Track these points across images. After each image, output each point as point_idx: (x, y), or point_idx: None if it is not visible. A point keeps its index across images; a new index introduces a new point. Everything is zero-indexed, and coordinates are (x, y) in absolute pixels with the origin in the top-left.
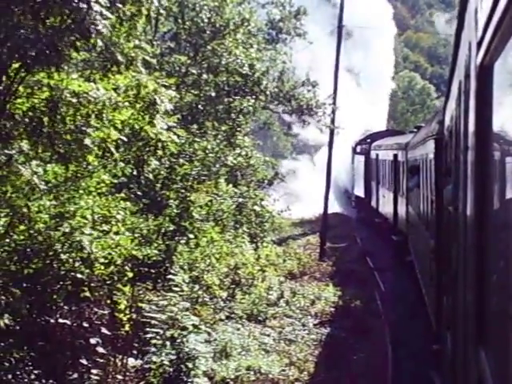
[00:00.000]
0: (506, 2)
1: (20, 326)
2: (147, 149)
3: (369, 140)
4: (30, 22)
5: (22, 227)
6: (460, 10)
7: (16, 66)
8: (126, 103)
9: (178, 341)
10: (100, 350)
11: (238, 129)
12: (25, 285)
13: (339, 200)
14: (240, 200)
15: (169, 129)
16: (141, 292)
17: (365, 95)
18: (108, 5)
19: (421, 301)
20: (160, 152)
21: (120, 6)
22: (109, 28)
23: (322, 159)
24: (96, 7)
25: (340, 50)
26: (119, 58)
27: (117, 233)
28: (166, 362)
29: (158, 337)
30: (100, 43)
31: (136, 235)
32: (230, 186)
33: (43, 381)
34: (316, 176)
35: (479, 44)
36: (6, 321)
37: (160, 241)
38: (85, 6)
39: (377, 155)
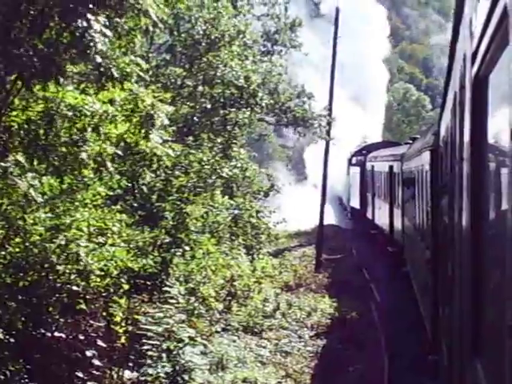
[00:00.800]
0: (500, 14)
1: (15, 338)
2: (142, 162)
3: (364, 151)
4: (27, 36)
5: (17, 239)
6: (455, 22)
7: (12, 78)
8: (123, 117)
9: (174, 353)
10: (96, 362)
11: (234, 141)
12: (20, 297)
13: (335, 211)
14: (236, 212)
15: (164, 142)
16: (137, 304)
17: (360, 106)
18: (107, 23)
19: (417, 312)
20: (155, 165)
21: (118, 20)
22: (107, 45)
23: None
24: (96, 26)
25: (335, 63)
26: (114, 73)
27: (112, 245)
28: (162, 375)
29: (153, 349)
30: (99, 59)
31: (132, 247)
32: (226, 197)
33: None
34: (297, 188)
35: (474, 55)
36: (0, 335)
37: (156, 253)
38: (84, 23)
39: (372, 166)
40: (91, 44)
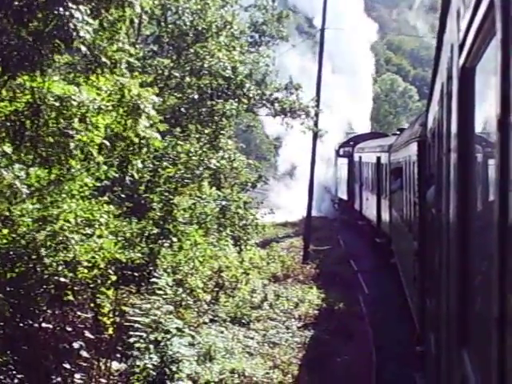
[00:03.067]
0: (487, 4)
1: (3, 330)
2: (131, 148)
3: (352, 142)
4: (12, 26)
5: (4, 231)
6: (442, 13)
7: None
8: (110, 107)
9: (162, 344)
10: (83, 353)
11: (221, 132)
12: (8, 289)
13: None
14: (223, 203)
15: (151, 126)
16: (124, 295)
17: (347, 96)
18: (89, 11)
19: (404, 303)
20: (144, 151)
21: (103, 11)
22: (91, 33)
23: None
24: (77, 14)
25: (322, 54)
26: (103, 59)
27: (100, 236)
28: (149, 366)
29: (141, 340)
30: (83, 48)
31: (119, 238)
32: (214, 188)
33: None
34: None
35: (461, 46)
36: None
37: (143, 244)
38: (67, 13)
39: (360, 158)
40: (73, 33)
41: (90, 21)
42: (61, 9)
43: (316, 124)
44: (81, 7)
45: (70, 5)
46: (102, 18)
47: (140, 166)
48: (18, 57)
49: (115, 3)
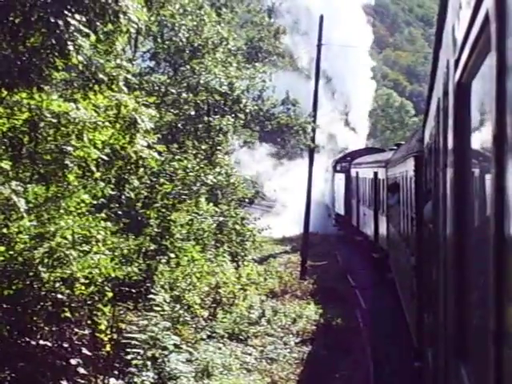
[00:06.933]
0: (482, 20)
1: (0, 347)
2: (128, 167)
3: (349, 158)
4: (9, 41)
5: (1, 248)
6: (437, 28)
7: None
8: (107, 123)
9: (160, 361)
10: (81, 370)
11: (218, 147)
12: (5, 306)
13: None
14: (221, 219)
15: (149, 146)
16: (121, 312)
17: (343, 112)
18: (83, 19)
19: (402, 318)
20: (141, 170)
21: (98, 24)
22: (87, 44)
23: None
24: (73, 22)
25: (319, 70)
26: (101, 76)
27: (97, 253)
28: (147, 382)
29: (139, 357)
30: (80, 58)
31: (116, 255)
32: (211, 204)
33: None
34: None
35: (456, 62)
36: None
37: (141, 260)
38: (61, 22)
39: (357, 173)
40: (70, 42)
41: (86, 30)
42: (58, 19)
43: (313, 139)
44: (77, 16)
45: (66, 12)
46: (97, 29)
47: (136, 184)
48: (15, 72)
49: (109, 14)
